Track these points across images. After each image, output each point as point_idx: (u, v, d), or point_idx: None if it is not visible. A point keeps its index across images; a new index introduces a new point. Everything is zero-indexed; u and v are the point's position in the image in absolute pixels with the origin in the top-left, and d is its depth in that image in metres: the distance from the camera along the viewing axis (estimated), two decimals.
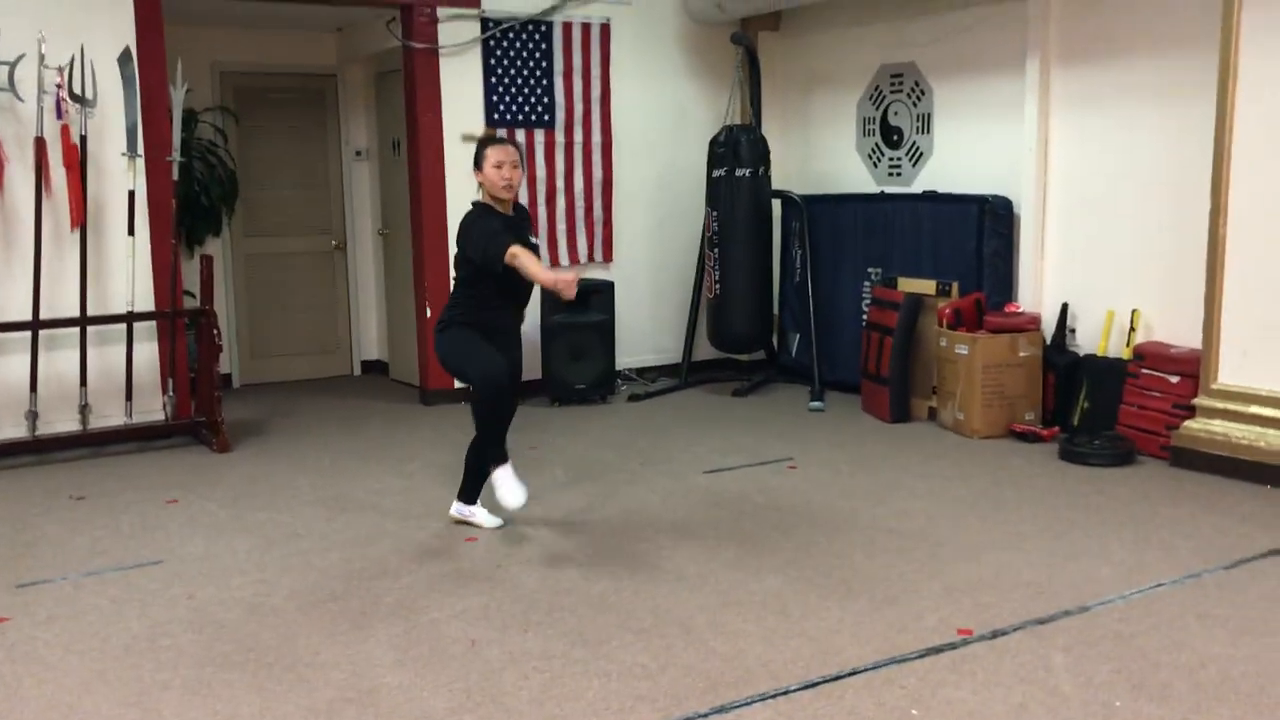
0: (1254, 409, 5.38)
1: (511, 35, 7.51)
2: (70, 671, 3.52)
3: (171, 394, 6.54)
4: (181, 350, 6.61)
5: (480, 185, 4.71)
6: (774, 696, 3.25)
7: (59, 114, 6.09)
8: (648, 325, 8.31)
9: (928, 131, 7.41)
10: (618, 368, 7.87)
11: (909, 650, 3.55)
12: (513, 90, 7.54)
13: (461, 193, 7.44)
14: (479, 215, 4.64)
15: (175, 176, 6.57)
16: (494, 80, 7.48)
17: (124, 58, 6.28)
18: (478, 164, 4.66)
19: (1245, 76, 5.31)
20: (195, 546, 4.72)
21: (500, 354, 4.71)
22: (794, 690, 3.29)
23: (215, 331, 6.37)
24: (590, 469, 5.87)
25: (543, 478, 5.64)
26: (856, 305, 7.60)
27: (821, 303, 7.79)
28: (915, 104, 7.48)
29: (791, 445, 6.29)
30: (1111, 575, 4.17)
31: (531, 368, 7.67)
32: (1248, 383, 5.43)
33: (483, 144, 4.68)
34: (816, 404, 7.32)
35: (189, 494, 5.50)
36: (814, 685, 3.32)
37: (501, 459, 4.74)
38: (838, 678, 3.37)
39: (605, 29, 7.84)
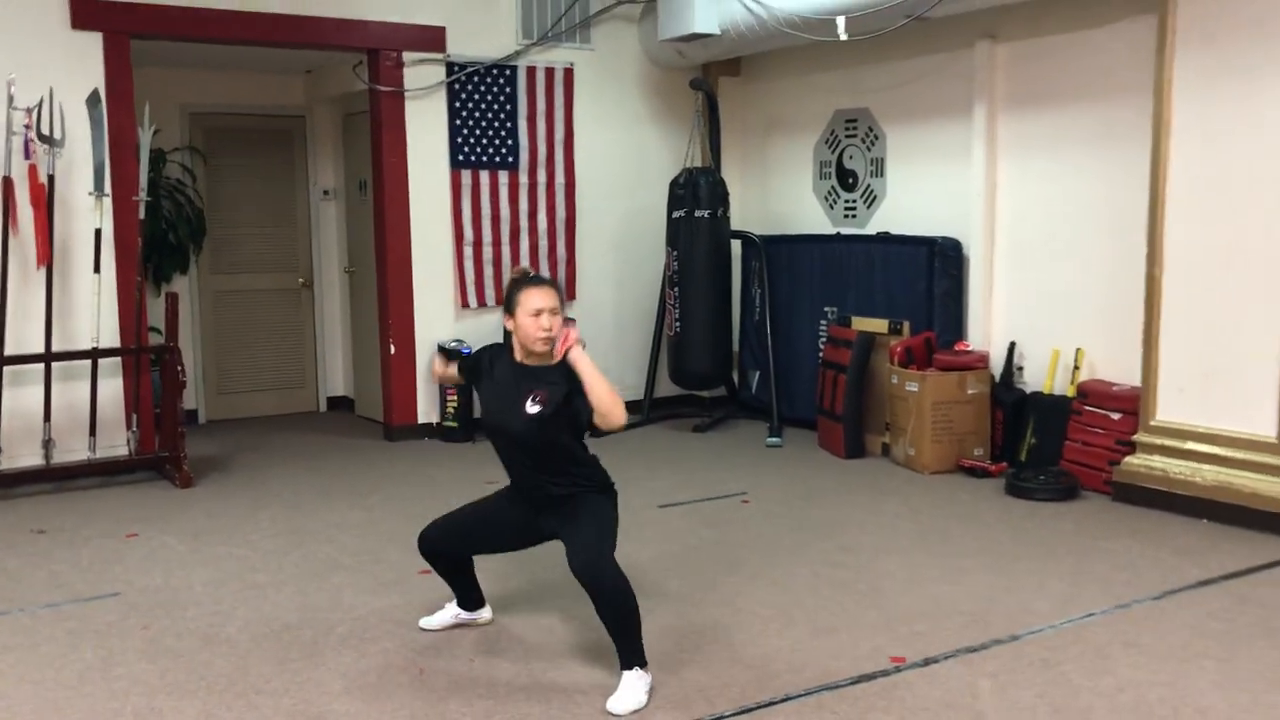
0: (1190, 445, 5.55)
1: (476, 79, 7.68)
2: (24, 700, 3.59)
3: (135, 429, 6.62)
4: (146, 386, 6.69)
5: (508, 333, 3.80)
6: None
7: (26, 154, 6.21)
8: (610, 362, 8.43)
9: (881, 175, 7.61)
10: None
11: (842, 677, 3.67)
12: (477, 133, 7.70)
13: (426, 232, 7.61)
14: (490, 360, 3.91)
15: (142, 215, 6.68)
16: (459, 123, 7.65)
17: (92, 99, 6.40)
18: (509, 309, 3.74)
19: (1177, 124, 5.52)
20: (153, 579, 4.79)
21: (503, 515, 4.00)
22: (727, 716, 3.41)
23: (180, 368, 6.46)
24: None
25: None
26: (814, 343, 7.76)
27: (780, 341, 7.95)
28: (869, 148, 7.69)
29: (746, 480, 6.42)
30: (1046, 606, 4.31)
31: None
32: (1184, 419, 5.60)
33: (516, 285, 3.74)
34: (774, 440, 7.46)
35: (149, 528, 5.58)
36: (747, 711, 3.44)
37: None
38: (770, 703, 3.48)
39: (569, 73, 8.03)
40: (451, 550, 4.02)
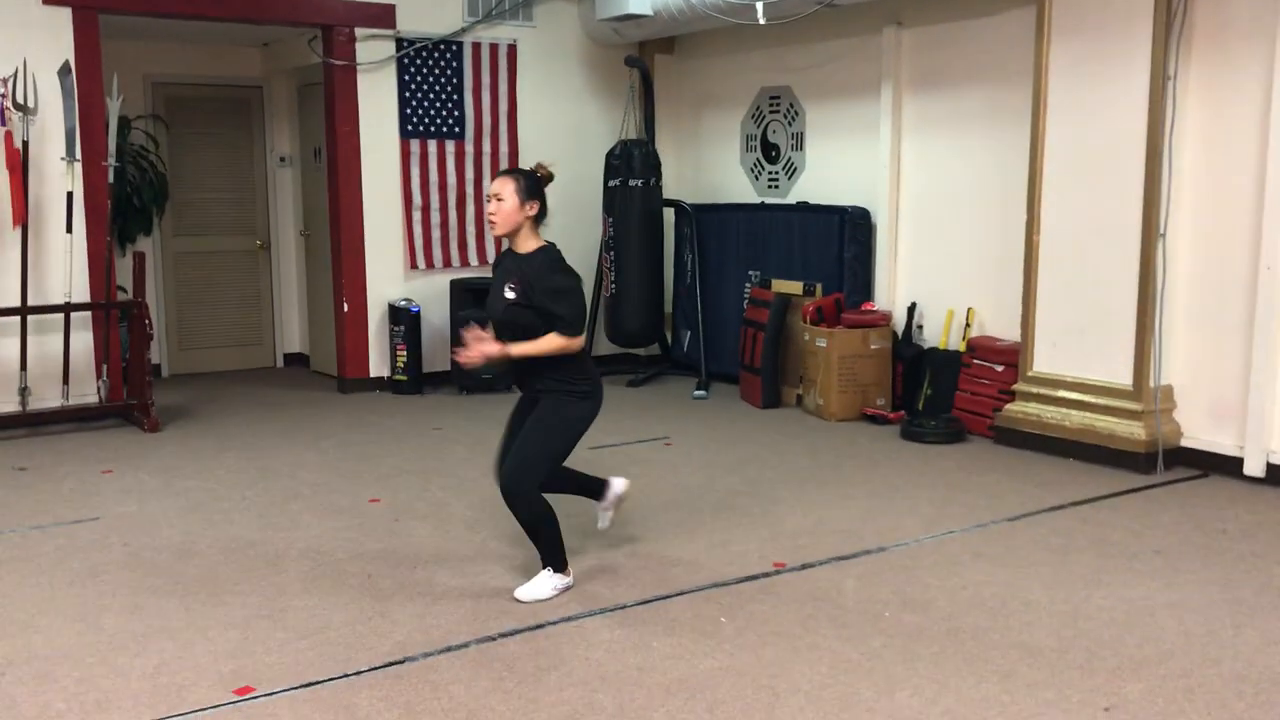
0: (1061, 393, 6.24)
1: (425, 54, 8.20)
2: (24, 600, 4.15)
3: (105, 379, 7.12)
4: (115, 339, 7.20)
5: None
6: (615, 610, 4.00)
7: (2, 121, 6.67)
8: None
9: (801, 149, 8.23)
10: None
11: (731, 577, 4.31)
12: (425, 104, 8.23)
13: (377, 197, 8.14)
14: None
15: (110, 179, 7.16)
16: (408, 95, 8.17)
17: (63, 70, 6.86)
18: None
19: (1053, 105, 6.18)
20: (129, 507, 5.35)
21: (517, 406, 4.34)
22: (630, 606, 4.04)
23: (147, 321, 6.97)
24: (489, 446, 6.51)
25: (445, 455, 6.34)
26: (740, 304, 8.38)
27: (709, 302, 8.57)
28: (790, 123, 8.30)
29: (671, 427, 7.04)
30: (913, 525, 4.99)
31: (441, 359, 8.39)
32: (1056, 370, 6.29)
33: None
34: (700, 393, 8.10)
35: (122, 466, 6.11)
36: (647, 602, 4.08)
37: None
38: (667, 596, 4.12)
39: (512, 49, 8.56)
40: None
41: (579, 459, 4.59)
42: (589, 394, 4.17)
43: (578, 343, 4.04)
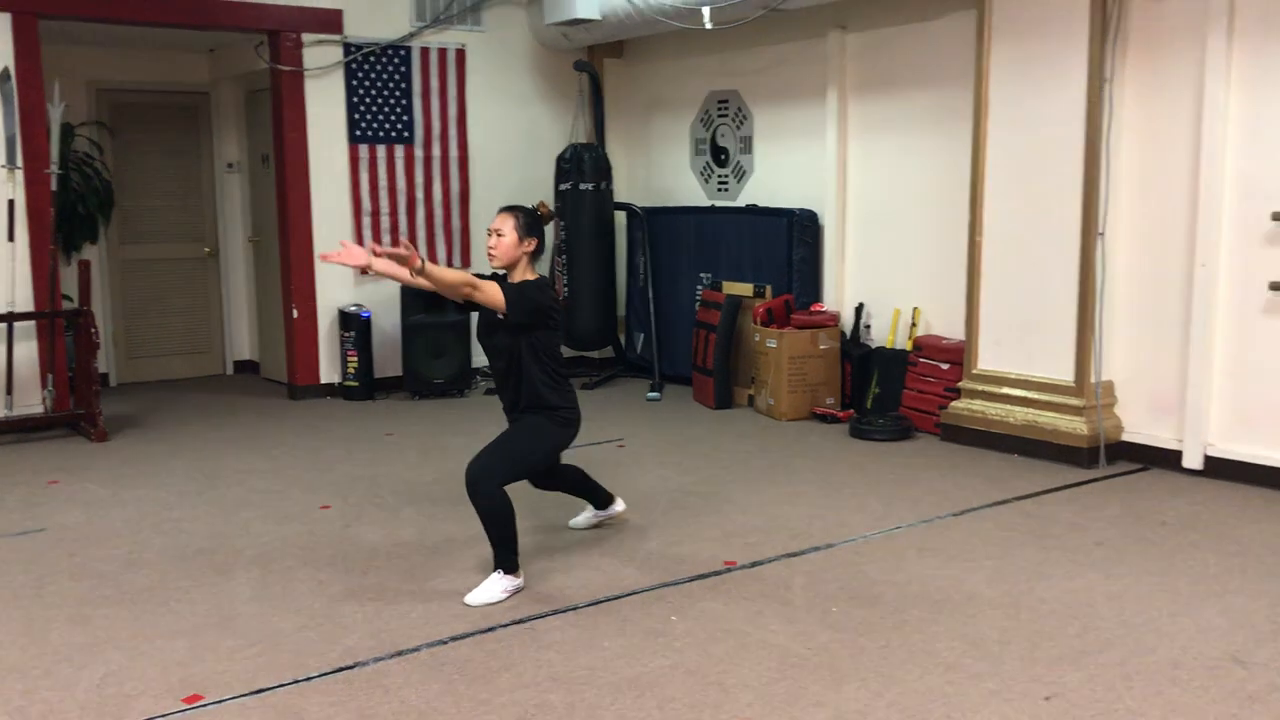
0: (1004, 390, 6.35)
1: (373, 59, 8.18)
2: None
3: (51, 389, 7.04)
4: (60, 349, 7.12)
5: None
6: (565, 611, 4.03)
7: None
8: None
9: (750, 152, 8.31)
10: (475, 365, 8.56)
11: (682, 576, 4.36)
12: (374, 109, 8.22)
13: (326, 203, 8.11)
14: None
15: (54, 187, 7.08)
16: (356, 100, 8.15)
17: (2, 76, 6.79)
18: None
19: (994, 107, 6.29)
20: (76, 517, 5.30)
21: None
22: (581, 607, 4.07)
23: (93, 330, 6.90)
24: (440, 452, 6.58)
25: (396, 461, 6.34)
26: (692, 306, 8.44)
27: (661, 304, 8.62)
28: (739, 127, 8.38)
29: (625, 429, 7.08)
30: (860, 521, 5.06)
31: (392, 364, 8.37)
32: (1000, 368, 6.40)
33: None
34: (653, 394, 8.14)
35: (69, 476, 6.05)
36: (598, 603, 4.11)
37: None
38: (619, 597, 4.16)
39: (460, 54, 8.56)
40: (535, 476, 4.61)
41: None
42: (571, 422, 4.45)
43: (475, 294, 4.13)
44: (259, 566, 4.56)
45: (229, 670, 3.59)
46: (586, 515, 4.97)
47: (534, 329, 4.26)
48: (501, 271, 4.44)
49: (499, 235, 4.32)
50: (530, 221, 4.35)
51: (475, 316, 4.51)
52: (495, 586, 4.16)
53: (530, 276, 4.36)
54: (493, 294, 4.16)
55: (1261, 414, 5.52)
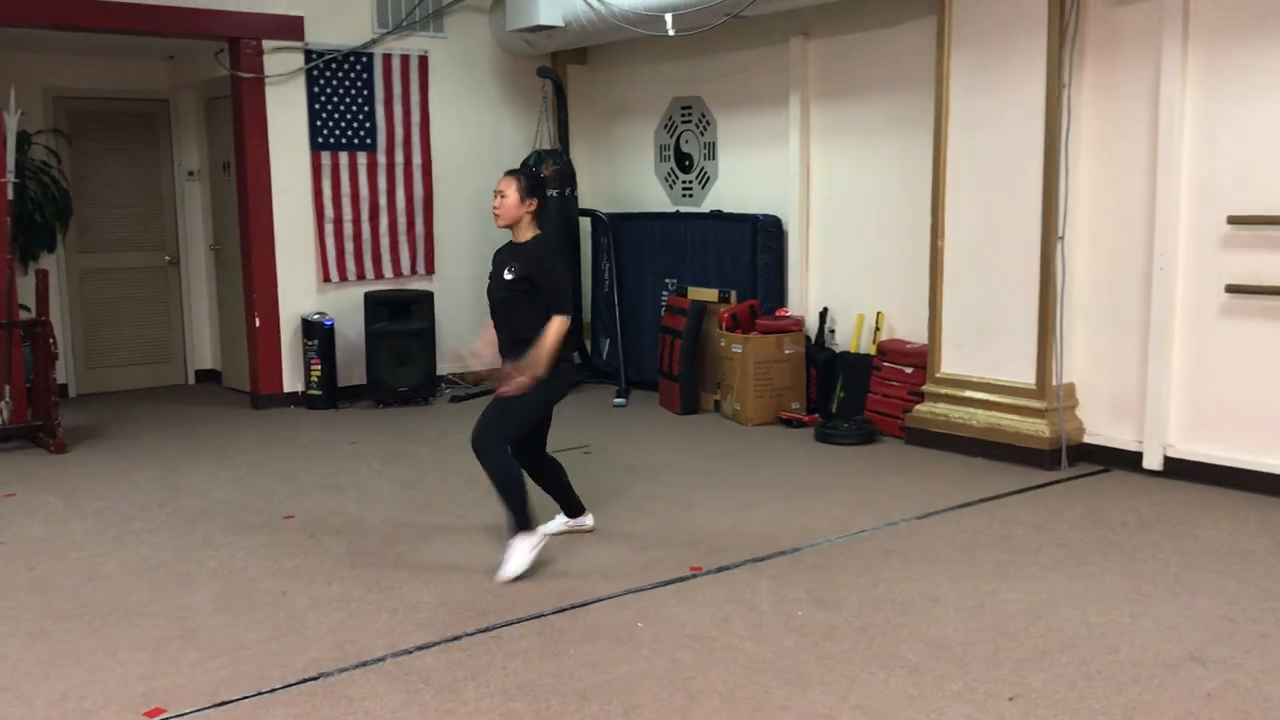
0: (967, 393, 6.40)
1: (334, 66, 8.14)
2: None
3: (8, 400, 6.94)
4: (18, 359, 7.01)
5: None
6: (531, 619, 4.02)
7: None
8: (469, 332, 8.95)
9: (713, 158, 8.33)
10: (440, 373, 8.53)
11: (648, 583, 4.36)
12: (336, 116, 8.17)
13: (288, 210, 8.05)
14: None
15: (10, 196, 6.98)
16: (318, 107, 8.10)
17: None
18: None
19: (954, 112, 6.34)
20: (35, 531, 5.22)
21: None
22: (548, 614, 4.06)
23: (51, 340, 6.81)
24: (404, 460, 6.54)
25: (360, 469, 6.30)
26: (657, 312, 8.44)
27: (627, 310, 8.62)
28: (703, 133, 8.40)
29: (590, 435, 7.07)
30: (825, 525, 5.08)
31: (356, 373, 8.32)
32: (963, 371, 6.45)
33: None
34: (619, 400, 8.14)
35: (28, 489, 5.97)
36: (564, 610, 4.10)
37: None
38: (585, 604, 4.15)
39: (423, 60, 8.53)
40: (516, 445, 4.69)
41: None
42: (562, 372, 4.67)
43: (567, 319, 4.53)
44: (221, 578, 4.52)
45: (191, 683, 3.55)
46: (557, 522, 4.97)
47: (539, 297, 4.56)
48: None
49: (502, 196, 4.59)
50: (532, 184, 4.63)
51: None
52: (520, 551, 4.42)
53: (534, 233, 4.62)
54: (561, 328, 4.49)
55: (1219, 415, 5.59)
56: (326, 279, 8.26)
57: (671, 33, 7.19)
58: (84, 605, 4.24)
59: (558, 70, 8.87)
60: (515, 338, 4.58)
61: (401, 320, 8.14)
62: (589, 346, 9.09)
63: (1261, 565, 4.47)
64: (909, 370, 6.79)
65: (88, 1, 7.14)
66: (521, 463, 4.70)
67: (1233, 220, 5.44)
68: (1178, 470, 5.71)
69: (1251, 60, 5.34)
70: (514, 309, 4.59)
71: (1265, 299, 5.37)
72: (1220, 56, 5.44)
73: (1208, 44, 5.47)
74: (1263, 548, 4.67)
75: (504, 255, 4.72)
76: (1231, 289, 5.47)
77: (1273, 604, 4.06)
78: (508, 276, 4.58)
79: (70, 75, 8.60)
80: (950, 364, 6.50)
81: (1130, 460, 5.89)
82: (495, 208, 4.62)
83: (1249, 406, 5.48)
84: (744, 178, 8.09)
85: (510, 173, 4.72)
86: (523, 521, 4.45)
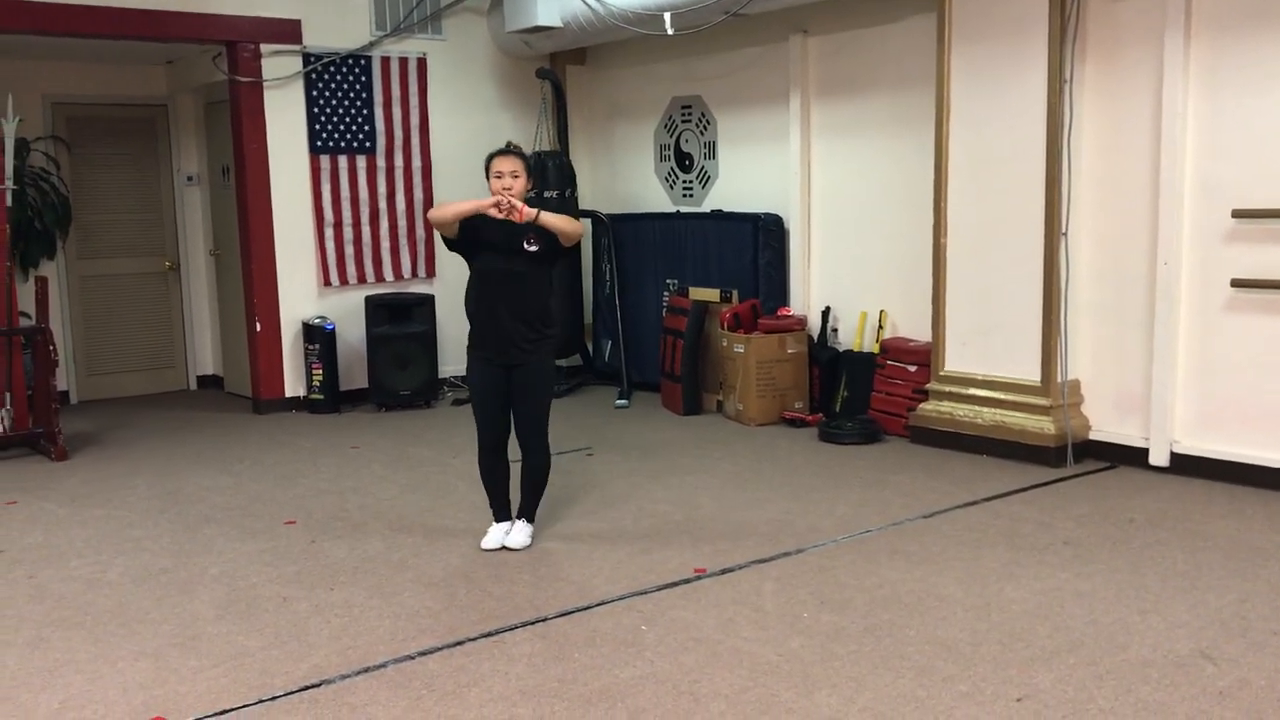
0: (972, 391, 6.36)
1: (333, 69, 8.11)
2: None
3: (9, 408, 6.91)
4: (18, 367, 6.99)
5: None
6: (534, 623, 3.99)
7: None
8: None
9: (714, 157, 8.30)
10: (441, 375, 8.50)
11: (652, 585, 4.32)
12: (335, 119, 8.14)
13: (288, 214, 8.03)
14: None
15: (9, 203, 6.95)
16: (316, 110, 8.07)
17: None
18: (487, 176, 4.64)
19: (955, 109, 6.30)
20: (35, 538, 5.20)
21: (487, 387, 4.74)
22: (551, 618, 4.03)
23: (51, 348, 6.78)
24: (406, 464, 6.51)
25: (362, 474, 6.27)
26: (659, 313, 8.41)
27: (629, 311, 8.59)
28: (703, 132, 8.37)
29: (593, 437, 7.04)
30: (830, 525, 5.04)
31: (358, 377, 8.29)
32: (967, 369, 6.41)
33: (490, 156, 4.68)
34: (622, 401, 8.11)
35: (28, 496, 5.94)
36: (568, 614, 4.07)
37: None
38: (588, 608, 4.12)
39: (422, 62, 8.50)
40: (491, 441, 4.81)
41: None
42: (554, 337, 4.88)
43: (581, 226, 4.75)
44: (223, 585, 4.49)
45: (193, 691, 3.52)
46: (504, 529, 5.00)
47: (557, 260, 4.72)
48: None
49: (514, 176, 4.58)
50: (529, 161, 4.72)
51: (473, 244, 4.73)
52: (528, 531, 4.85)
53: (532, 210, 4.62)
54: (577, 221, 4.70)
55: (1226, 410, 5.55)
56: (327, 283, 8.23)
57: (670, 32, 7.16)
58: (85, 613, 4.21)
59: (557, 71, 8.84)
60: (524, 319, 4.63)
61: (402, 323, 8.11)
62: (590, 348, 9.06)
63: (1271, 561, 4.43)
64: (913, 368, 6.75)
65: (85, 7, 7.12)
66: (489, 460, 4.85)
67: (1237, 214, 5.40)
68: (1184, 466, 5.67)
69: (1254, 53, 5.30)
70: (529, 285, 4.62)
71: (1271, 293, 5.34)
72: (1223, 50, 5.40)
73: (1210, 37, 5.44)
74: (1271, 544, 4.63)
75: (511, 230, 4.55)
76: (1237, 283, 5.44)
77: None
78: (530, 249, 4.58)
79: (68, 82, 8.58)
80: (954, 362, 6.47)
81: (1136, 456, 5.85)
82: (508, 188, 4.52)
83: (1256, 401, 5.44)
84: (745, 177, 8.06)
85: (507, 153, 4.65)
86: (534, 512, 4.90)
